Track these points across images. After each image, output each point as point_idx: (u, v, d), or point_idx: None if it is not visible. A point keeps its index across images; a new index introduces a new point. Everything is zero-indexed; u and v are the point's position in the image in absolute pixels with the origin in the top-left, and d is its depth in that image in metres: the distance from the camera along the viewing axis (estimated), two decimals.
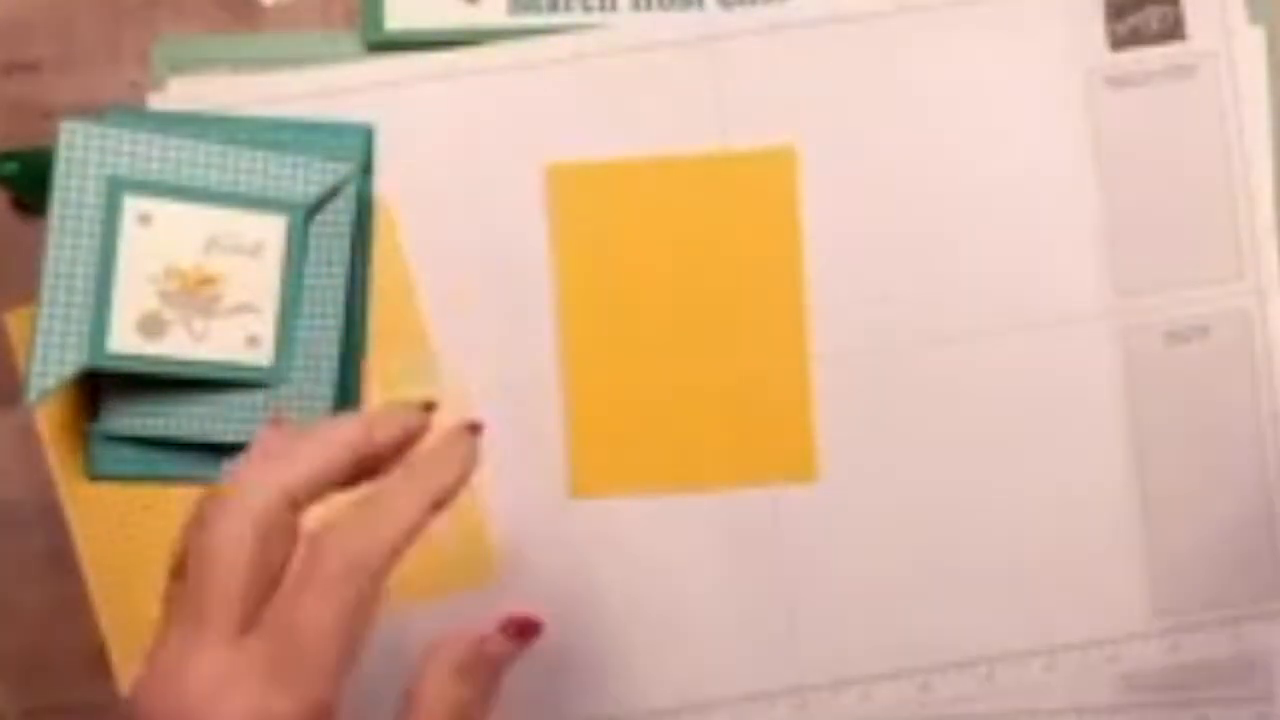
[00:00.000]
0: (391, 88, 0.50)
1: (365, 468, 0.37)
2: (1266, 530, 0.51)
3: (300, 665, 0.32)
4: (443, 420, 0.39)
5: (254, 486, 0.34)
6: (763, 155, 0.50)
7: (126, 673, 0.49)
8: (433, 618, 0.50)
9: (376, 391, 0.50)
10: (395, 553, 0.35)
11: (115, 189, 0.45)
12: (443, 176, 0.50)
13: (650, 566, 0.50)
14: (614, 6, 0.50)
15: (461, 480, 0.37)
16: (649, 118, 0.50)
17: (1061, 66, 0.50)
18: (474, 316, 0.50)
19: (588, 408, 0.50)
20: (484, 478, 0.50)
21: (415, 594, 0.50)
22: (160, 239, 0.46)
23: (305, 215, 0.47)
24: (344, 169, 0.48)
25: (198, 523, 0.34)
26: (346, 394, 0.49)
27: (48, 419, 0.49)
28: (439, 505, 0.36)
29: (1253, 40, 0.50)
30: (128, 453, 0.49)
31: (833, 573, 0.50)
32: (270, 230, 0.47)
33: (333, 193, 0.48)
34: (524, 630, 0.40)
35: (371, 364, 0.50)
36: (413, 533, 0.35)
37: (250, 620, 0.33)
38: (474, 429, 0.39)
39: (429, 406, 0.39)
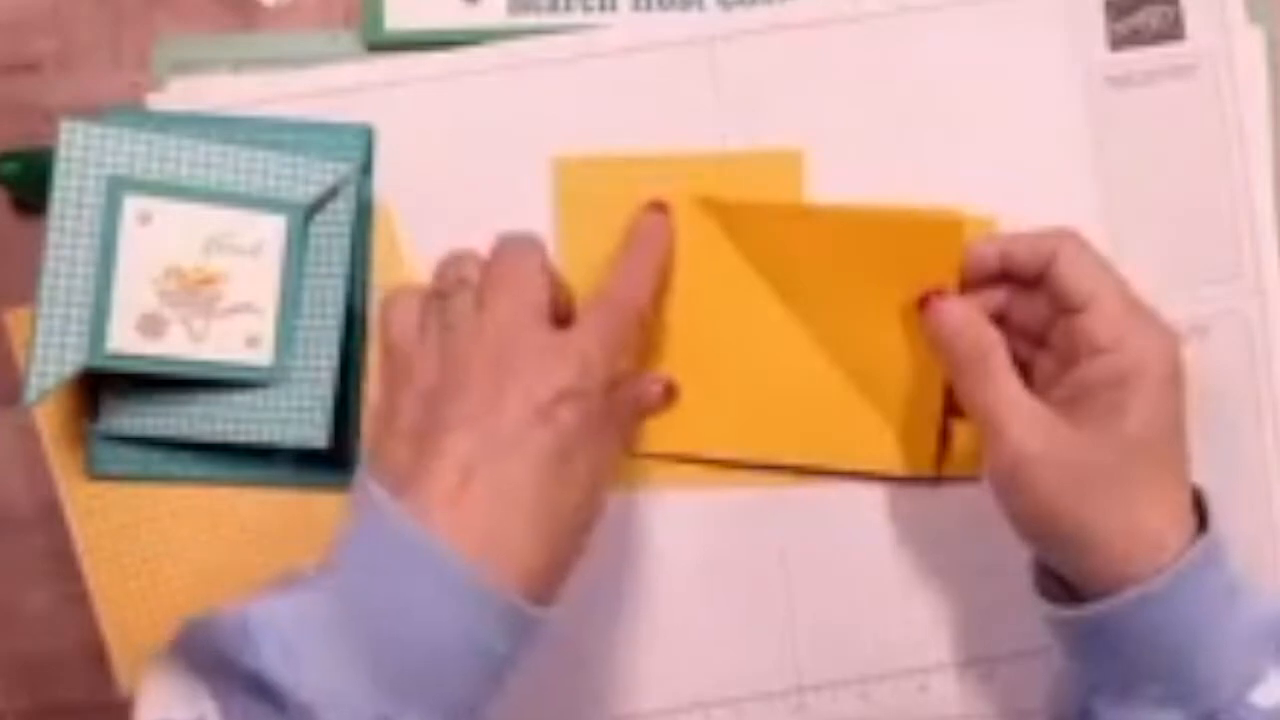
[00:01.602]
0: (391, 88, 0.50)
1: None
2: (1267, 530, 0.51)
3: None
4: None
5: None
6: (769, 156, 0.50)
7: (126, 673, 0.49)
8: None
9: (377, 391, 0.50)
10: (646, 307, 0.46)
11: (115, 189, 0.45)
12: (442, 176, 0.50)
13: (650, 567, 0.50)
14: (614, 6, 0.50)
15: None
16: (649, 117, 0.50)
17: (1061, 66, 0.50)
18: None
19: None
20: None
21: None
22: (160, 239, 0.46)
23: (305, 215, 0.47)
24: (344, 169, 0.48)
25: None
26: (346, 394, 0.49)
27: (48, 419, 0.49)
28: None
29: (1253, 40, 0.50)
30: (128, 453, 0.49)
31: (833, 573, 0.50)
32: (270, 230, 0.47)
33: (333, 193, 0.48)
34: (671, 392, 0.48)
35: (371, 364, 0.50)
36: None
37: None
38: (658, 205, 0.48)
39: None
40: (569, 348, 0.41)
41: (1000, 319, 0.46)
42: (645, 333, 0.46)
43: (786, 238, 0.48)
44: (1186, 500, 0.41)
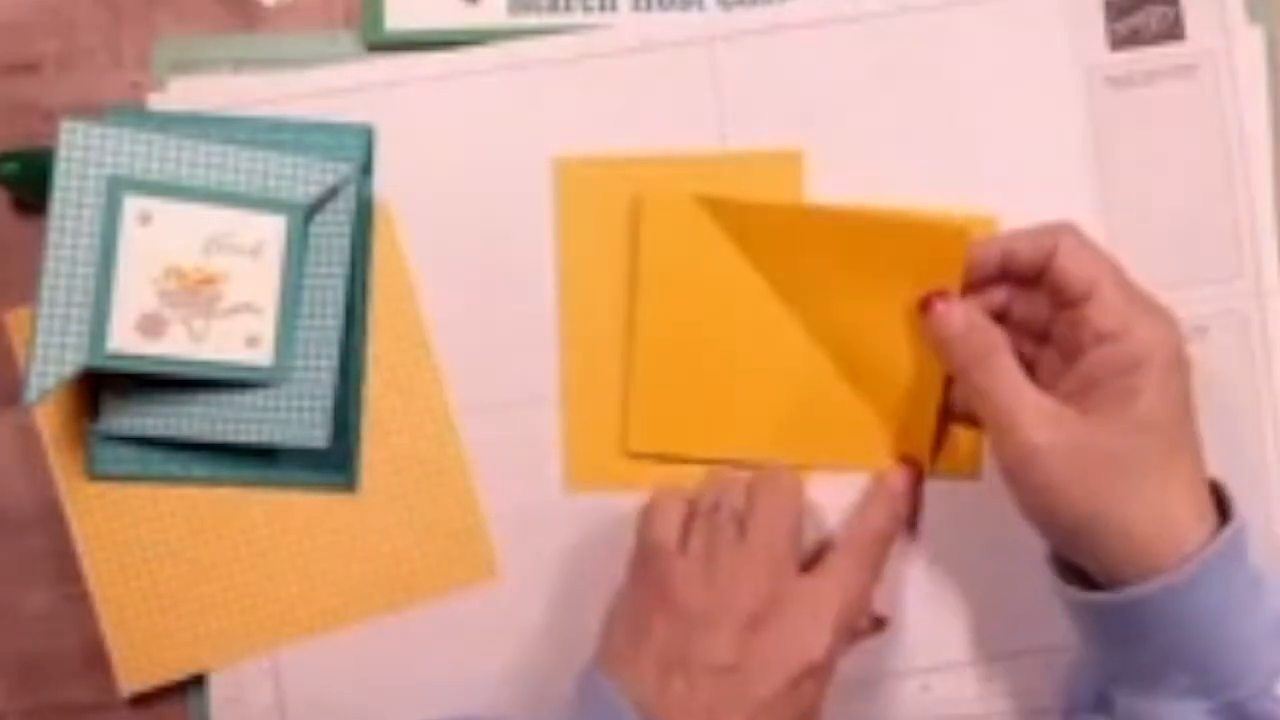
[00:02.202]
0: (391, 88, 0.50)
1: None
2: (1266, 529, 0.51)
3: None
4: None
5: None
6: (769, 156, 0.50)
7: (126, 673, 0.49)
8: (433, 616, 0.50)
9: (376, 391, 0.50)
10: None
11: (115, 189, 0.45)
12: (442, 176, 0.50)
13: None
14: (614, 7, 0.50)
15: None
16: (649, 117, 0.50)
17: (1061, 66, 0.50)
18: (474, 315, 0.50)
19: (590, 405, 0.50)
20: (483, 476, 0.50)
21: (416, 593, 0.50)
22: (160, 239, 0.46)
23: (305, 215, 0.47)
24: (344, 169, 0.48)
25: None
26: (346, 394, 0.49)
27: (48, 419, 0.49)
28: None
29: (1253, 40, 0.50)
30: (128, 453, 0.49)
31: None
32: (270, 230, 0.47)
33: (333, 193, 0.48)
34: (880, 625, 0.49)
35: (371, 364, 0.50)
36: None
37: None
38: (911, 461, 0.49)
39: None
40: (822, 609, 0.43)
41: (1001, 318, 0.46)
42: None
43: (788, 238, 0.48)
44: (1204, 486, 0.41)
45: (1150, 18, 0.50)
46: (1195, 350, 0.50)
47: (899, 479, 0.48)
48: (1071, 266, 0.43)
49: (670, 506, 0.45)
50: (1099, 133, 0.50)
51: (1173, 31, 0.50)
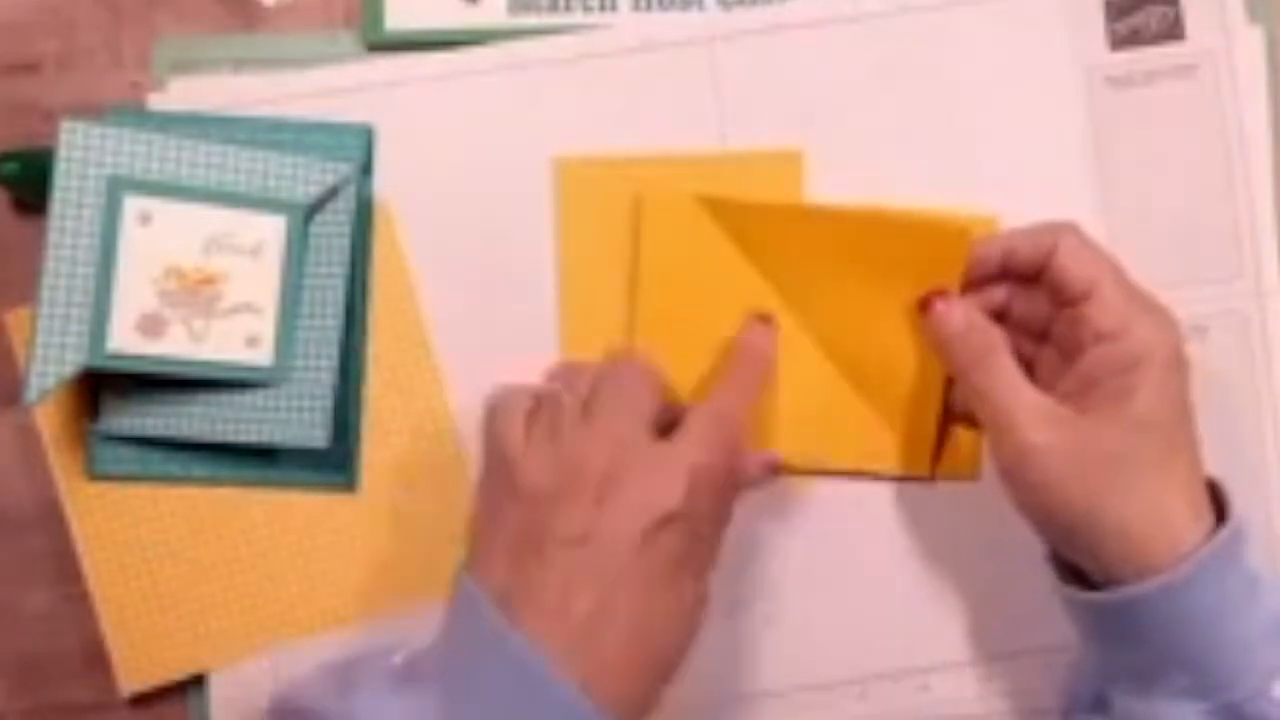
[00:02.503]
0: (391, 88, 0.50)
1: None
2: (1266, 529, 0.51)
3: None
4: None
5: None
6: (769, 156, 0.50)
7: (126, 673, 0.49)
8: (433, 618, 0.50)
9: (376, 391, 0.50)
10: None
11: (115, 189, 0.45)
12: (442, 176, 0.50)
13: None
14: (614, 7, 0.50)
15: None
16: (649, 117, 0.50)
17: (1061, 66, 0.50)
18: (474, 315, 0.50)
19: None
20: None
21: (416, 594, 0.50)
22: (160, 239, 0.46)
23: (305, 215, 0.47)
24: (344, 169, 0.48)
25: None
26: (346, 394, 0.49)
27: (48, 419, 0.49)
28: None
29: (1252, 40, 0.50)
30: (128, 453, 0.49)
31: (834, 573, 0.50)
32: (270, 230, 0.47)
33: (333, 193, 0.48)
34: (775, 470, 0.47)
35: (371, 364, 0.50)
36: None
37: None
38: (764, 317, 0.48)
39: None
40: (675, 464, 0.41)
41: (1001, 316, 0.46)
42: (747, 441, 0.45)
43: (787, 238, 0.48)
44: (1201, 485, 0.41)
45: (1150, 18, 0.50)
46: (1195, 350, 0.50)
47: (755, 334, 0.48)
48: (1071, 265, 0.43)
49: (514, 400, 0.43)
50: (1099, 133, 0.50)
51: (1173, 31, 0.51)
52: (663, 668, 0.41)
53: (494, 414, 0.43)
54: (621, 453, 0.41)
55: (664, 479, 0.41)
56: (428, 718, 0.39)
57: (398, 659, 0.42)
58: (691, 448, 0.42)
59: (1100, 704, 0.44)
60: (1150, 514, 0.40)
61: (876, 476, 0.50)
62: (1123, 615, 0.41)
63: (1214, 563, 0.39)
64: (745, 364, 0.47)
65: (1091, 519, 0.40)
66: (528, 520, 0.40)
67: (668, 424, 0.43)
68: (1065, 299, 0.43)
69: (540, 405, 0.43)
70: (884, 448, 0.49)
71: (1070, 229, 0.44)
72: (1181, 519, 0.40)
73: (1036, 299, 0.45)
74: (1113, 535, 0.40)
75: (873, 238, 0.47)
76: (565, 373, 0.45)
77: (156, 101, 0.50)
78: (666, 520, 0.40)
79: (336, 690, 0.40)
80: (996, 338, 0.44)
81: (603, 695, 0.38)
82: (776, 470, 0.46)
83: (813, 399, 0.49)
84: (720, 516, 0.43)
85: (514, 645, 0.38)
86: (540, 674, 0.38)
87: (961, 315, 0.45)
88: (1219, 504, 0.42)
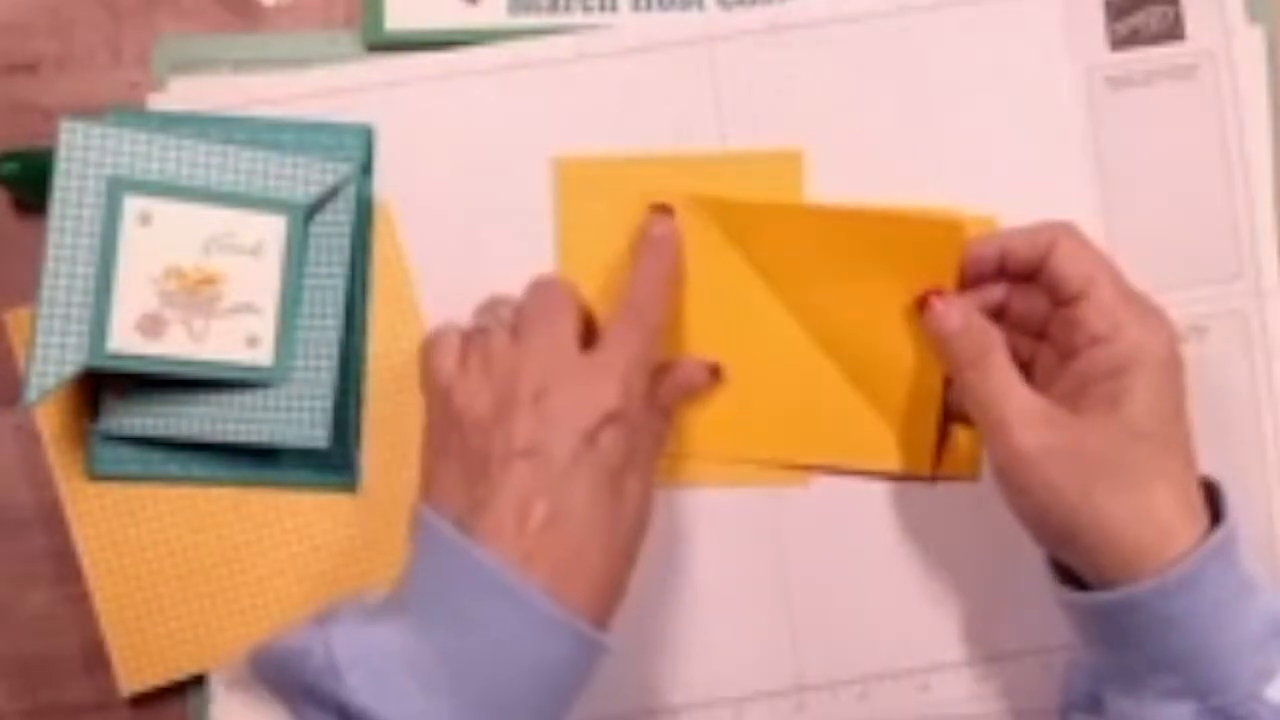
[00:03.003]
0: (391, 88, 0.50)
1: None
2: (1266, 529, 0.51)
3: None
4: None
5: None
6: (769, 156, 0.50)
7: (126, 673, 0.49)
8: None
9: (376, 391, 0.50)
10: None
11: (115, 189, 0.45)
12: (442, 176, 0.50)
13: (649, 567, 0.50)
14: (614, 7, 0.50)
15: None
16: (649, 117, 0.50)
17: (1061, 66, 0.50)
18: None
19: None
20: None
21: None
22: (160, 239, 0.46)
23: (305, 215, 0.47)
24: (344, 169, 0.48)
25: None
26: (346, 394, 0.49)
27: (48, 419, 0.49)
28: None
29: (1253, 40, 0.50)
30: (128, 453, 0.49)
31: (833, 573, 0.50)
32: (270, 230, 0.47)
33: (333, 193, 0.48)
34: (716, 372, 0.49)
35: (371, 364, 0.50)
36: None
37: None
38: (661, 207, 0.49)
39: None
40: (606, 369, 0.43)
41: (999, 315, 0.46)
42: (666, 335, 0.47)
43: (786, 238, 0.48)
44: (1195, 488, 0.41)
45: (1150, 18, 0.50)
46: (1194, 350, 0.50)
47: (660, 226, 0.48)
48: (1067, 265, 0.43)
49: (443, 340, 0.45)
50: (1099, 133, 0.50)
51: (1173, 31, 0.51)
52: (618, 563, 0.42)
53: (428, 351, 0.45)
54: (552, 365, 0.42)
55: (596, 382, 0.42)
56: (403, 638, 0.39)
57: (369, 598, 0.43)
58: (617, 348, 0.43)
59: (1094, 704, 0.44)
60: (1143, 516, 0.40)
61: (876, 475, 0.50)
62: (1115, 616, 0.41)
63: (1206, 566, 0.39)
64: (651, 257, 0.47)
65: (1083, 521, 0.40)
66: (472, 444, 0.42)
67: (593, 338, 0.45)
68: (1061, 299, 0.44)
69: (470, 337, 0.45)
70: (884, 446, 0.49)
71: (1067, 229, 0.44)
72: (1174, 521, 0.40)
73: (1035, 298, 0.45)
74: (1105, 537, 0.40)
75: (868, 235, 0.47)
76: (491, 305, 0.47)
77: (156, 101, 0.50)
78: (606, 420, 0.42)
79: (313, 626, 0.41)
80: (993, 338, 0.44)
81: (566, 596, 0.40)
82: (715, 373, 0.49)
83: (812, 397, 0.49)
84: (656, 410, 0.45)
85: (476, 559, 0.39)
86: (505, 582, 0.39)
87: (959, 314, 0.45)
88: (1215, 505, 0.42)
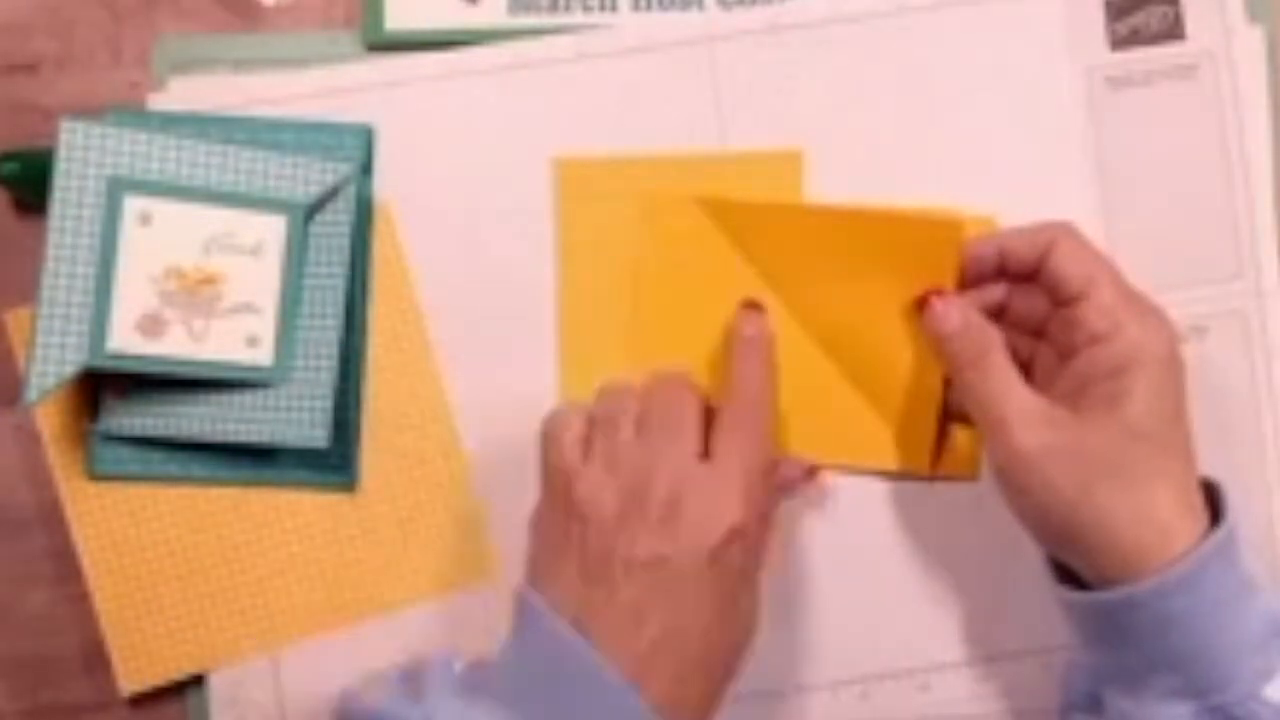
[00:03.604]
0: (391, 88, 0.50)
1: None
2: (1266, 529, 0.51)
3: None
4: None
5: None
6: (769, 156, 0.50)
7: (126, 673, 0.49)
8: (433, 617, 0.50)
9: (376, 391, 0.50)
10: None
11: (115, 189, 0.45)
12: (442, 176, 0.50)
13: None
14: (614, 7, 0.50)
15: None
16: (648, 117, 0.50)
17: (1061, 66, 0.50)
18: (474, 315, 0.50)
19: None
20: (483, 476, 0.50)
21: (417, 594, 0.50)
22: (160, 239, 0.46)
23: (305, 215, 0.47)
24: (344, 169, 0.48)
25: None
26: (346, 394, 0.49)
27: (48, 419, 0.49)
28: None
29: (1253, 40, 0.50)
30: (128, 453, 0.49)
31: (833, 572, 0.50)
32: (270, 230, 0.47)
33: (333, 193, 0.48)
34: (812, 472, 0.49)
35: (371, 364, 0.50)
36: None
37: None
38: (752, 305, 0.49)
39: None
40: (729, 480, 0.43)
41: (999, 314, 0.46)
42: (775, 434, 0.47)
43: (787, 237, 0.48)
44: (1195, 488, 0.41)
45: (1150, 18, 0.50)
46: (1194, 350, 0.50)
47: (750, 326, 0.48)
48: (1067, 264, 0.43)
49: (569, 421, 0.45)
50: (1099, 133, 0.50)
51: (1173, 31, 0.51)
52: (728, 674, 0.43)
53: (549, 437, 0.45)
54: (679, 474, 0.42)
55: (723, 496, 0.42)
56: None
57: (458, 666, 0.43)
58: (735, 457, 0.43)
59: (1094, 703, 0.44)
60: (1142, 517, 0.40)
61: (875, 475, 0.50)
62: (1114, 616, 0.41)
63: (1206, 566, 0.39)
64: (750, 359, 0.47)
65: (1083, 520, 0.40)
66: (593, 543, 0.42)
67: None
68: (1060, 299, 0.44)
69: (594, 427, 0.44)
70: (883, 445, 0.49)
71: (1067, 229, 0.44)
72: (1174, 521, 0.40)
73: (1034, 298, 0.45)
74: (1105, 537, 0.40)
75: (868, 235, 0.47)
76: (614, 393, 0.46)
77: (156, 101, 0.50)
78: (731, 537, 0.42)
79: (406, 695, 0.41)
80: (993, 338, 0.44)
81: (673, 707, 0.40)
82: (812, 473, 0.48)
83: (812, 396, 0.49)
84: (768, 517, 0.45)
85: (593, 663, 0.39)
86: (612, 683, 0.39)
87: (958, 314, 0.45)
88: (1215, 505, 0.41)
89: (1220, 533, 0.40)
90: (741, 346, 0.47)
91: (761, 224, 0.48)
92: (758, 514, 0.43)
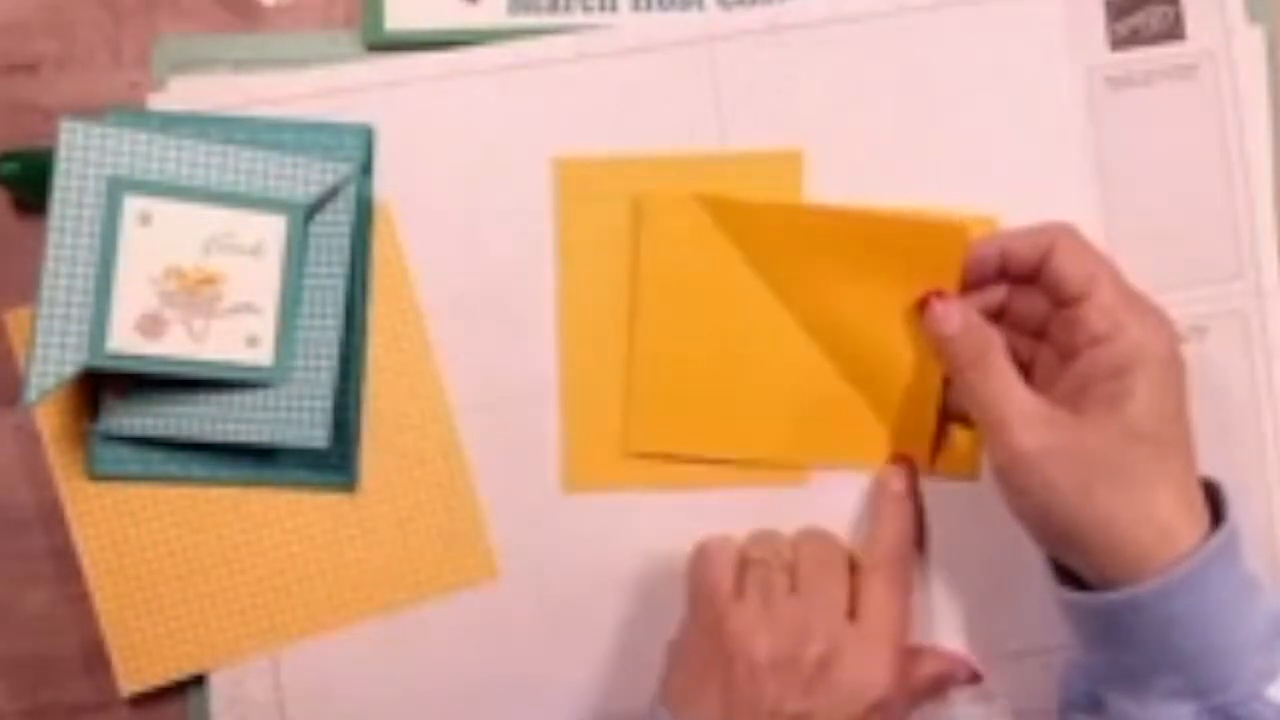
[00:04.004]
0: (391, 88, 0.50)
1: None
2: (1266, 530, 0.51)
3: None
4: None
5: None
6: (769, 156, 0.50)
7: (126, 673, 0.49)
8: (433, 616, 0.50)
9: (376, 391, 0.50)
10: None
11: (115, 189, 0.45)
12: (442, 176, 0.50)
13: (650, 566, 0.50)
14: (614, 7, 0.50)
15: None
16: (648, 117, 0.50)
17: (1061, 66, 0.50)
18: (473, 315, 0.50)
19: (589, 405, 0.50)
20: (483, 476, 0.50)
21: (417, 594, 0.50)
22: (160, 239, 0.46)
23: (305, 215, 0.47)
24: (344, 169, 0.48)
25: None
26: (346, 394, 0.49)
27: (48, 419, 0.49)
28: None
29: (1253, 40, 0.50)
30: (128, 453, 0.49)
31: None
32: (270, 230, 0.47)
33: (333, 193, 0.48)
34: (975, 677, 0.50)
35: (371, 364, 0.50)
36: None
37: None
38: (903, 459, 0.50)
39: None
40: (879, 646, 0.44)
41: (999, 316, 0.46)
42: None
43: (787, 238, 0.48)
44: (1196, 489, 0.41)
45: (1150, 18, 0.50)
46: (1194, 350, 0.50)
47: (898, 481, 0.49)
48: (1067, 265, 0.43)
49: (722, 552, 0.46)
50: (1099, 133, 0.50)
51: (1173, 31, 0.50)
52: None
53: (702, 562, 0.46)
54: (832, 634, 0.44)
55: (872, 663, 0.44)
56: None
57: None
58: (885, 618, 0.45)
59: (1095, 704, 0.44)
60: (1143, 517, 0.40)
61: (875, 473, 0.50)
62: (1116, 617, 0.41)
63: (1208, 566, 0.39)
64: (898, 516, 0.48)
65: (1084, 521, 0.40)
66: (740, 686, 0.43)
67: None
68: (1061, 299, 0.44)
69: (749, 566, 0.46)
70: (883, 445, 0.49)
71: (1067, 229, 0.44)
72: (1175, 522, 0.40)
73: (1035, 299, 0.45)
74: (1106, 538, 0.40)
75: (872, 237, 0.47)
76: (767, 538, 0.48)
77: (156, 101, 0.50)
78: (875, 708, 0.43)
79: None
80: (993, 339, 0.44)
81: None
82: (976, 678, 0.50)
83: (812, 397, 0.49)
84: (913, 693, 0.47)
85: None
86: None
87: (959, 316, 0.45)
88: (1216, 505, 0.41)
89: (1222, 533, 0.40)
90: (890, 504, 0.48)
91: (762, 224, 0.48)
92: (899, 685, 0.45)
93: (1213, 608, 0.40)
